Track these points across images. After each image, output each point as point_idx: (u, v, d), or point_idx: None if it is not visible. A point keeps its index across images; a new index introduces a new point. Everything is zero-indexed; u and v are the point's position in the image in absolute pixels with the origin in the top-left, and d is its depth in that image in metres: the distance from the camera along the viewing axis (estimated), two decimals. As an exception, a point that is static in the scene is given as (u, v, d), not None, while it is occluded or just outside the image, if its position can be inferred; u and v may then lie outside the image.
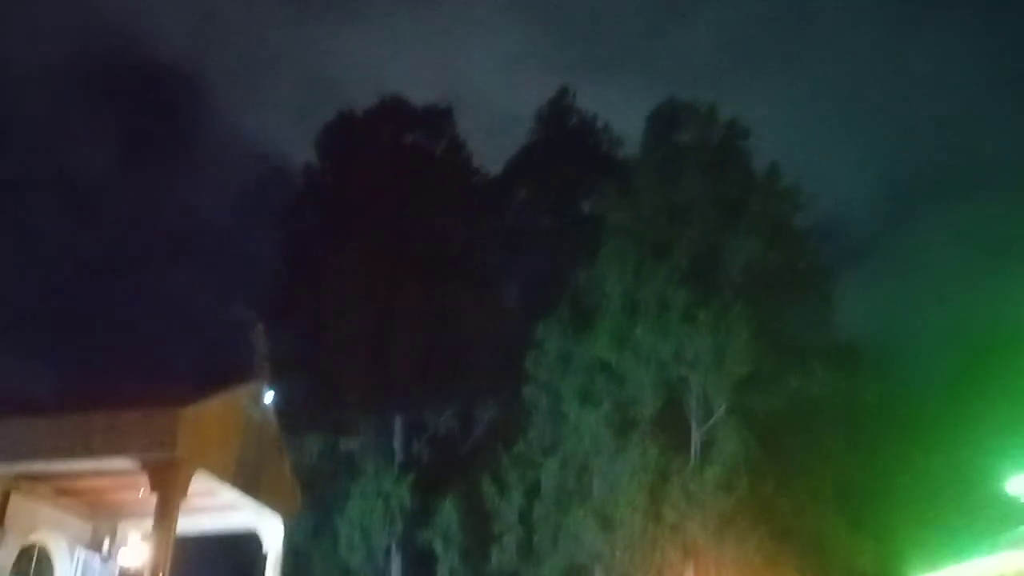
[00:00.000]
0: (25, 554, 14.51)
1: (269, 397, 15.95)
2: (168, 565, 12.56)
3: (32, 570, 14.75)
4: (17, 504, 14.00)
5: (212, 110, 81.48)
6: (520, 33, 64.23)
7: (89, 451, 12.83)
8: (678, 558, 18.36)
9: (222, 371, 19.63)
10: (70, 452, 12.85)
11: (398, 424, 24.70)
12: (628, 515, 18.29)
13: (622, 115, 29.14)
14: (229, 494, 15.08)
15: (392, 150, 28.39)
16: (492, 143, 31.78)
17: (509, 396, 23.00)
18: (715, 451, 18.95)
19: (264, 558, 16.62)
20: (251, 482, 15.35)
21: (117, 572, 15.77)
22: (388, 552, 23.02)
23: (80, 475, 13.93)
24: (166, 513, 12.84)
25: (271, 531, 16.67)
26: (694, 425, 19.62)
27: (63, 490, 14.81)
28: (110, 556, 15.71)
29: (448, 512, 21.69)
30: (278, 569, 16.45)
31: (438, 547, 21.68)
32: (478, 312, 26.43)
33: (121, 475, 13.71)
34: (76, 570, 15.35)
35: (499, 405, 24.08)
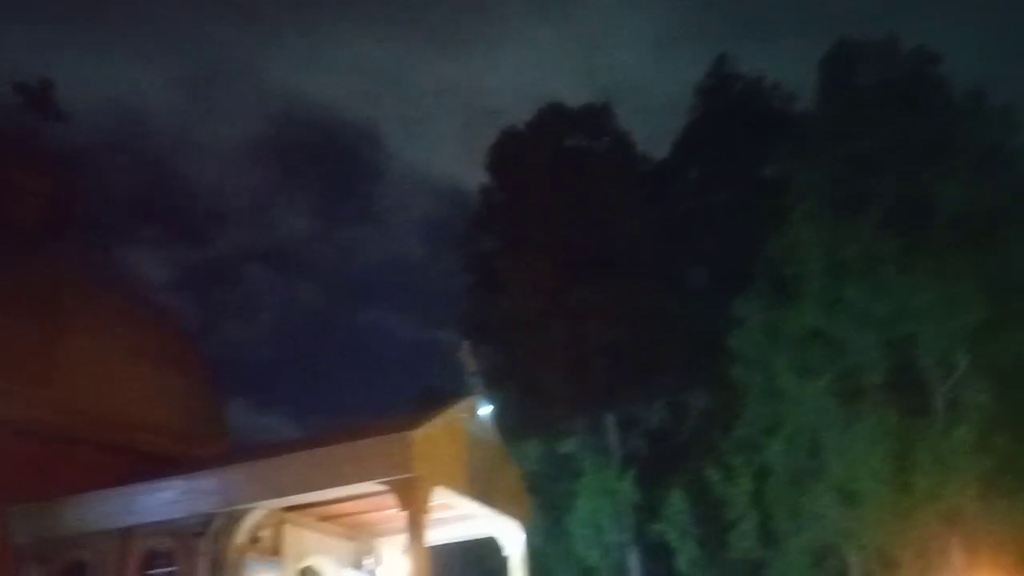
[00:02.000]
0: (301, 576, 16.10)
1: (485, 410, 16.58)
2: (426, 575, 13.42)
3: (309, 592, 16.32)
4: (289, 533, 15.58)
5: (390, 155, 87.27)
6: (664, 13, 62.81)
7: (342, 479, 14.00)
8: (940, 527, 16.85)
9: (438, 392, 20.82)
10: (326, 482, 14.07)
11: (610, 422, 24.79)
12: (873, 487, 17.06)
13: (790, 70, 27.52)
14: (466, 505, 15.87)
15: (557, 156, 28.71)
16: (656, 129, 31.17)
17: (717, 379, 22.35)
18: (962, 409, 17.25)
19: (506, 561, 17.30)
20: (484, 492, 16.06)
21: (384, 587, 17.06)
22: (623, 547, 23.14)
23: (337, 501, 15.21)
24: (416, 528, 13.70)
25: (509, 536, 17.32)
26: (934, 384, 17.96)
27: (324, 516, 16.27)
28: (373, 572, 17.03)
29: (677, 503, 21.40)
30: (522, 570, 17.05)
31: (673, 538, 21.43)
32: (667, 300, 26.03)
33: (371, 497, 14.83)
34: (347, 588, 16.78)
35: (709, 390, 23.48)
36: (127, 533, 14.86)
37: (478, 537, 18.10)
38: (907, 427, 17.55)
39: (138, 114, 78.52)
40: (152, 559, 14.73)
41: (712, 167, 27.69)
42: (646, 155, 29.60)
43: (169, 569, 14.46)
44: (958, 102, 20.73)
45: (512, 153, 28.79)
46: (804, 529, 18.49)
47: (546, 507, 21.42)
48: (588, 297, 25.56)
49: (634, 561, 23.32)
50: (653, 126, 31.40)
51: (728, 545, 20.26)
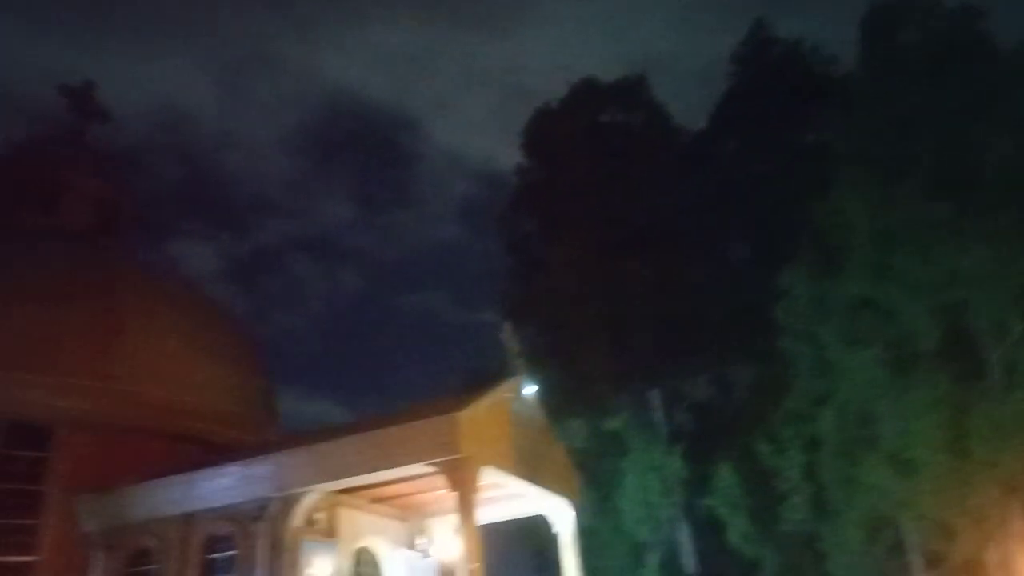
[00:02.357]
0: (357, 557, 16.48)
1: (530, 390, 16.67)
2: (478, 554, 13.62)
3: (365, 572, 16.71)
4: (343, 515, 15.96)
5: (426, 140, 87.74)
6: (698, -20, 61.42)
7: (392, 461, 14.26)
8: (998, 495, 16.48)
9: (482, 373, 20.99)
10: (377, 465, 14.33)
11: (655, 397, 24.71)
12: (928, 456, 16.72)
13: (829, 32, 26.75)
14: (515, 484, 16.03)
15: (592, 133, 28.50)
16: (692, 99, 30.66)
17: (764, 352, 22.09)
18: (1019, 372, 16.76)
19: (557, 538, 17.46)
20: (532, 470, 16.21)
21: (436, 565, 17.38)
22: (673, 522, 23.15)
23: (388, 483, 15.50)
24: (466, 508, 13.88)
25: (559, 513, 17.48)
26: (988, 348, 17.48)
27: (376, 498, 16.61)
28: (427, 551, 17.35)
29: (726, 477, 21.29)
30: (572, 547, 17.21)
31: (723, 512, 21.34)
32: (709, 273, 25.78)
33: (421, 479, 15.08)
34: (401, 567, 17.14)
35: (755, 363, 23.23)
36: (188, 519, 15.36)
37: (528, 515, 18.31)
38: (962, 394, 17.11)
39: (180, 111, 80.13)
40: (213, 543, 15.20)
41: (751, 136, 27.16)
42: (683, 127, 29.21)
43: (230, 553, 14.92)
44: (1004, 59, 19.94)
45: (546, 131, 28.64)
46: (858, 500, 18.20)
47: (594, 484, 21.49)
48: (629, 273, 25.44)
49: (685, 536, 23.33)
50: (689, 97, 30.93)
51: (780, 518, 20.12)
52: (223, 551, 15.07)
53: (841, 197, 19.81)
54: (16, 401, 16.77)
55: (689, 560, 23.35)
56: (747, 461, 21.07)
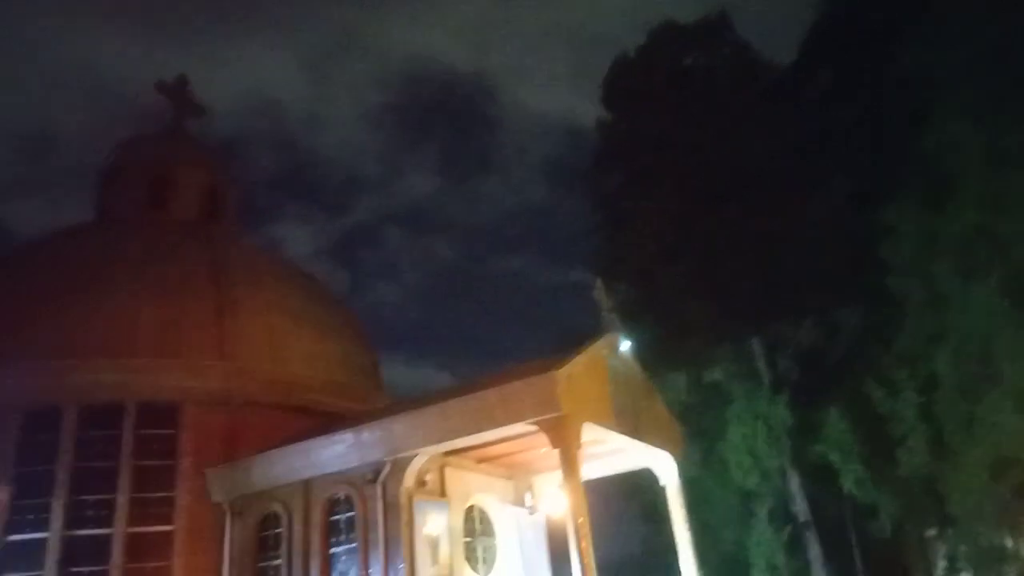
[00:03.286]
0: (468, 515, 17.05)
1: (625, 345, 16.62)
2: (585, 509, 13.83)
3: (477, 529, 17.29)
4: (452, 476, 16.50)
5: (506, 104, 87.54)
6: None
7: (494, 422, 14.53)
8: None
9: (577, 331, 21.04)
10: (479, 426, 14.64)
11: (756, 346, 24.13)
12: (1056, 390, 15.74)
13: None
14: (617, 439, 16.11)
15: (674, 78, 27.61)
16: (779, 32, 29.20)
17: (870, 292, 21.16)
18: None
19: (664, 491, 17.51)
20: (633, 425, 16.23)
21: (544, 521, 17.78)
22: (783, 471, 22.74)
23: (492, 443, 15.88)
24: (569, 464, 14.03)
25: (664, 466, 17.49)
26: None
27: (482, 458, 17.07)
28: (534, 508, 17.76)
29: (836, 423, 20.68)
30: (679, 499, 17.23)
31: (835, 459, 20.80)
32: (807, 214, 24.71)
33: (523, 438, 15.37)
34: (511, 524, 17.63)
35: (862, 304, 22.28)
36: (308, 484, 16.24)
37: (634, 470, 18.39)
38: (1093, 322, 15.97)
39: (269, 97, 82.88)
40: (333, 506, 16.05)
41: (846, 65, 25.68)
42: (771, 63, 27.86)
43: (349, 514, 15.74)
44: None
45: (626, 81, 27.90)
46: (980, 440, 17.36)
47: (698, 437, 21.33)
48: (723, 220, 24.70)
49: (795, 484, 22.88)
50: (776, 31, 29.45)
51: (896, 462, 19.44)
52: (343, 513, 15.88)
53: (949, 122, 18.57)
54: (147, 385, 18.05)
55: (801, 508, 22.94)
56: (857, 405, 20.39)
